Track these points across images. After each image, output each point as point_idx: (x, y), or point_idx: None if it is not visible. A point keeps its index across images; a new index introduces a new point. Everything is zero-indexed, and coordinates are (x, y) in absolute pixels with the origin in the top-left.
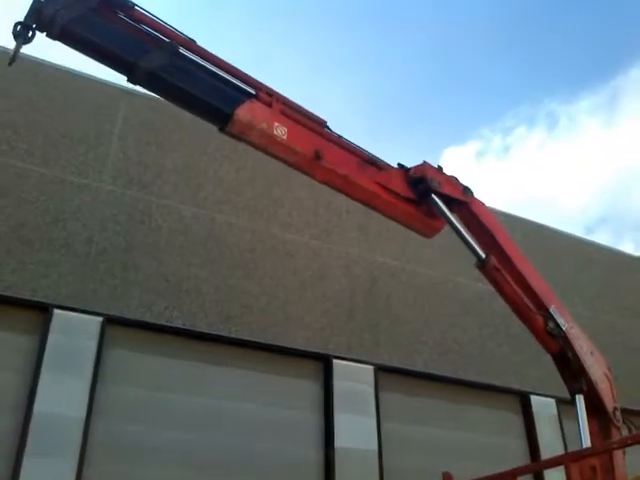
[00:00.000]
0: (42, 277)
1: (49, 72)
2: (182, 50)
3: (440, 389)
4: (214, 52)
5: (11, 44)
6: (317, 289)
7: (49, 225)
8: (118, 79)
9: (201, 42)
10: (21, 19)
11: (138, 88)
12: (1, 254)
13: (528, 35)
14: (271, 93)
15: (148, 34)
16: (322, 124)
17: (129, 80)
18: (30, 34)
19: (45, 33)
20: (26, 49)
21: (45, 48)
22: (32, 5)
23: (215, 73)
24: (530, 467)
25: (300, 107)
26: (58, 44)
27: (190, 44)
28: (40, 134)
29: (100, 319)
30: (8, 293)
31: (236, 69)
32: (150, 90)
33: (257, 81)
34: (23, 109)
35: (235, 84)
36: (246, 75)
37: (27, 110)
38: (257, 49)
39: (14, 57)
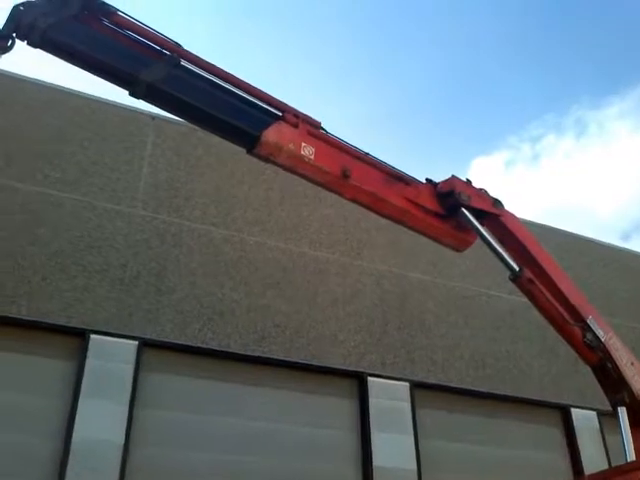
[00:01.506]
0: (78, 303)
1: (78, 102)
2: (185, 63)
3: (477, 404)
4: (225, 68)
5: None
6: (349, 306)
7: (84, 252)
8: (147, 106)
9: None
10: None
11: (166, 115)
12: (38, 281)
13: (552, 42)
14: (297, 114)
15: (132, 40)
16: (317, 126)
17: (130, 94)
18: (9, 43)
19: (25, 41)
20: (57, 80)
21: (73, 78)
22: (11, 12)
23: (235, 93)
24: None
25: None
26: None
27: (185, 53)
28: (72, 163)
29: (136, 343)
30: (46, 320)
31: (146, 30)
32: (158, 106)
33: (282, 102)
34: (55, 139)
35: (260, 106)
36: (158, 36)
37: (59, 140)
38: (274, 61)
39: None
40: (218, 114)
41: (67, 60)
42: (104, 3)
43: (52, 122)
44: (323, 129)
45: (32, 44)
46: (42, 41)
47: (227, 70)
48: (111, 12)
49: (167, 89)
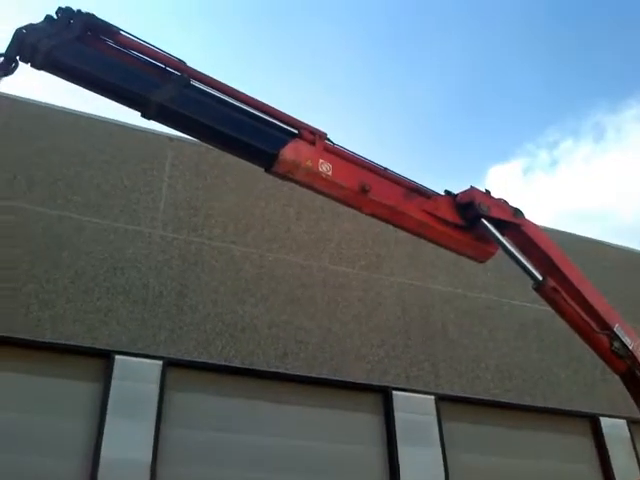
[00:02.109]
0: (102, 324)
1: (97, 126)
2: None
3: (504, 416)
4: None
5: None
6: (371, 320)
7: (106, 273)
8: (165, 128)
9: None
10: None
11: (184, 136)
12: (62, 304)
13: (568, 45)
14: (313, 131)
15: (136, 59)
16: (324, 137)
17: (142, 115)
18: (12, 65)
19: (29, 63)
20: (79, 106)
21: (90, 101)
22: (14, 35)
23: (250, 112)
24: None
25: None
26: (103, 100)
27: (190, 70)
28: (93, 186)
29: (160, 362)
30: (71, 342)
31: (150, 48)
32: (170, 126)
33: (298, 120)
34: (75, 163)
35: (275, 124)
36: (162, 54)
37: (79, 164)
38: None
39: None
40: (235, 134)
41: (71, 81)
42: (107, 23)
43: (72, 146)
44: (330, 140)
45: (35, 66)
46: (45, 63)
47: (236, 87)
48: (114, 32)
49: (179, 109)
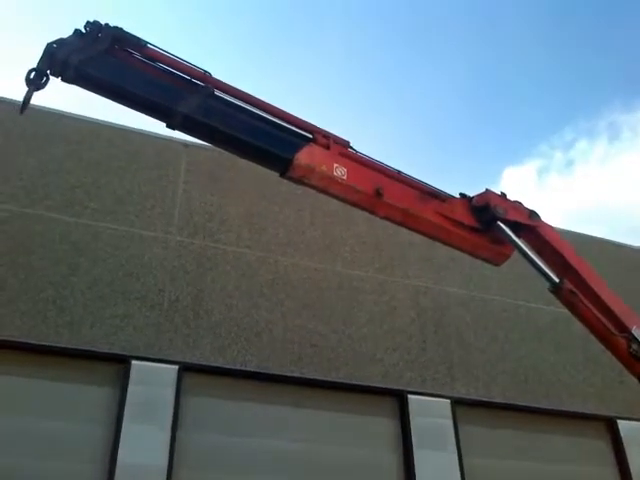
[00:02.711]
0: (119, 330)
1: (113, 133)
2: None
3: (521, 419)
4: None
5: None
6: (386, 324)
7: (122, 279)
8: (179, 134)
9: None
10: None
11: (197, 141)
12: (79, 310)
13: (581, 44)
14: (327, 135)
15: (162, 71)
16: (347, 145)
17: (167, 125)
18: (43, 80)
19: (60, 77)
20: (94, 113)
21: (104, 109)
22: (45, 50)
23: (266, 118)
24: None
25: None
26: (117, 107)
27: (215, 81)
28: (108, 192)
29: (176, 367)
30: (88, 347)
31: (176, 61)
32: (194, 136)
33: (311, 124)
34: (91, 170)
35: (289, 129)
36: (188, 66)
37: (94, 170)
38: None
39: (25, 105)
40: (250, 139)
41: (100, 94)
42: (134, 37)
43: (88, 154)
44: (352, 148)
45: (66, 80)
46: (76, 77)
47: (257, 96)
48: (141, 45)
49: (204, 120)
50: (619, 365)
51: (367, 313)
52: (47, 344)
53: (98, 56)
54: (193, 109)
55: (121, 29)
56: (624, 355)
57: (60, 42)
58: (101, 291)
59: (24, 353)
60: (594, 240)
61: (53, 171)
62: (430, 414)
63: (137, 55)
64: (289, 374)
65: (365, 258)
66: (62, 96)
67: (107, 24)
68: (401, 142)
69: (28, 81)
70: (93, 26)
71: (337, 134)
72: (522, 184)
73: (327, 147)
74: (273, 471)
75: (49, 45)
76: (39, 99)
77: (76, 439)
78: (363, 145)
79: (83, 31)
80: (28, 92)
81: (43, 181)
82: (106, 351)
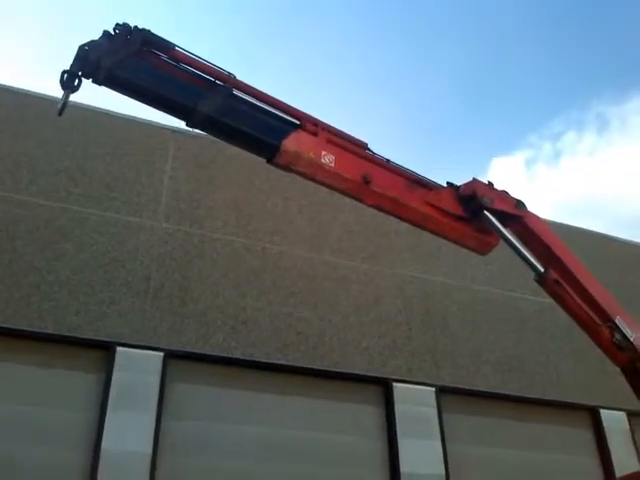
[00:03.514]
0: (104, 316)
1: (99, 118)
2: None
3: (505, 408)
4: (258, 85)
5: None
6: (372, 312)
7: (108, 266)
8: (166, 119)
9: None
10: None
11: (185, 128)
12: (64, 296)
13: (570, 35)
14: (316, 122)
15: (188, 72)
16: (364, 147)
17: (188, 124)
18: (77, 82)
19: (91, 79)
20: (75, 97)
21: (92, 95)
22: (77, 53)
23: (258, 106)
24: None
25: (344, 133)
26: (104, 91)
27: (236, 82)
28: (94, 178)
29: (161, 354)
30: (73, 334)
31: (280, 101)
32: (206, 132)
33: (301, 112)
34: (77, 155)
35: (279, 116)
36: (290, 106)
37: (80, 156)
38: (294, 67)
39: (63, 107)
40: (237, 125)
41: (128, 95)
42: (163, 39)
43: (74, 139)
44: (370, 150)
45: (97, 82)
46: (107, 79)
47: (277, 97)
48: (169, 48)
49: (223, 119)
50: (603, 355)
51: (353, 301)
52: (31, 330)
53: (128, 59)
54: (213, 109)
55: (149, 31)
56: (607, 345)
57: (91, 44)
58: (86, 277)
59: (8, 339)
60: (580, 232)
61: (39, 156)
62: (415, 402)
63: (163, 57)
64: (275, 362)
65: (352, 247)
66: (48, 80)
67: (136, 27)
68: (389, 130)
69: (63, 84)
70: (122, 28)
71: (354, 135)
72: (510, 174)
73: (315, 134)
74: (258, 458)
75: (81, 48)
76: (22, 84)
77: (60, 425)
78: (351, 132)
79: (112, 33)
80: (65, 96)
81: (28, 166)
82: (91, 337)
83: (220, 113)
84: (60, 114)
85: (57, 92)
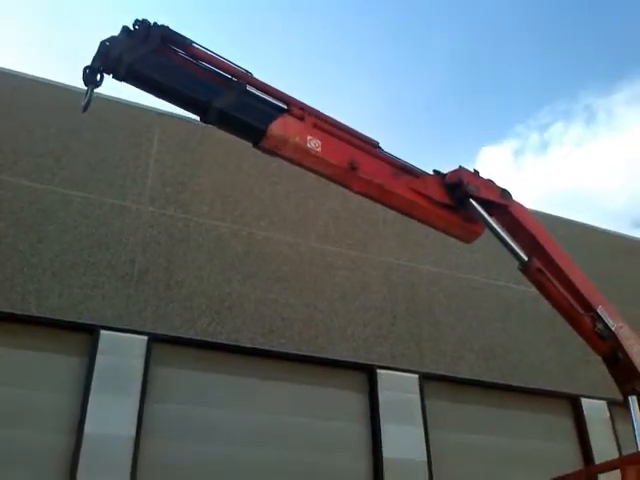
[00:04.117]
0: (88, 299)
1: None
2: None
3: (487, 395)
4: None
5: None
6: (358, 299)
7: (92, 248)
8: (153, 103)
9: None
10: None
11: (172, 110)
12: (47, 279)
13: (559, 27)
14: (303, 107)
15: (204, 69)
16: (354, 134)
17: (202, 120)
18: (99, 77)
19: (111, 75)
20: (64, 79)
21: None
22: (99, 49)
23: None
24: (584, 471)
25: (332, 119)
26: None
27: (252, 79)
28: (80, 160)
29: (146, 338)
30: (56, 316)
31: (219, 59)
32: (221, 128)
33: (289, 96)
34: (62, 137)
35: (266, 100)
36: (277, 90)
37: (66, 138)
38: (282, 55)
39: (88, 103)
40: (176, 85)
41: (147, 90)
42: (182, 36)
43: (59, 120)
44: (381, 148)
45: (117, 77)
46: (128, 74)
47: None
48: (187, 44)
49: (236, 114)
50: (585, 344)
51: (339, 288)
52: (14, 312)
53: (148, 55)
54: (228, 105)
55: (168, 28)
56: (589, 334)
57: (112, 39)
58: (70, 260)
59: None
60: (565, 222)
61: (23, 137)
62: (398, 389)
63: (181, 53)
64: (259, 347)
65: (339, 233)
66: (35, 61)
67: (155, 23)
68: (378, 118)
69: (86, 80)
70: (142, 25)
71: (367, 134)
72: (498, 164)
73: (302, 119)
74: (240, 442)
75: (102, 44)
76: (7, 64)
77: (43, 408)
78: (345, 118)
79: (131, 29)
80: (89, 91)
81: (12, 147)
82: (74, 320)
83: (232, 108)
84: (85, 110)
85: (42, 74)
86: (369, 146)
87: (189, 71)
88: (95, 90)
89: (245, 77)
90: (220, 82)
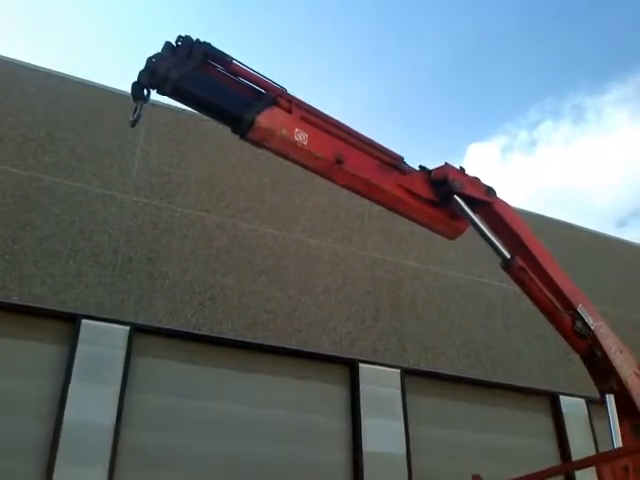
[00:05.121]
0: (70, 288)
1: (70, 87)
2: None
3: (468, 391)
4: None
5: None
6: (341, 293)
7: (75, 237)
8: None
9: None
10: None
11: (160, 100)
12: (29, 266)
13: (549, 26)
14: (291, 99)
15: (242, 84)
16: (342, 128)
17: (233, 131)
18: (145, 93)
19: (156, 90)
20: (47, 64)
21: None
22: (146, 65)
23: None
24: (561, 468)
25: (321, 112)
26: (75, 59)
27: (288, 96)
28: (65, 148)
29: (128, 328)
30: (37, 305)
31: (256, 76)
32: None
33: (277, 87)
34: (47, 124)
35: (255, 90)
36: (266, 81)
37: (51, 125)
38: (273, 50)
39: (137, 119)
40: (217, 101)
41: (189, 105)
42: (222, 53)
43: (45, 107)
44: (405, 163)
45: (162, 93)
46: (173, 91)
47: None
48: (227, 61)
49: (248, 117)
50: (564, 342)
51: (323, 282)
52: None
53: (192, 72)
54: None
55: (210, 45)
56: (569, 332)
57: (158, 56)
58: (52, 248)
59: None
60: (550, 221)
61: (7, 122)
62: (380, 383)
63: (220, 68)
64: (242, 339)
65: (324, 227)
66: (22, 46)
67: (198, 40)
68: (366, 113)
69: (135, 96)
70: (185, 41)
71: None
72: (486, 161)
73: (289, 111)
74: (221, 434)
75: (149, 60)
76: None
77: (23, 396)
78: (333, 112)
79: (174, 45)
80: (138, 107)
81: None
82: (56, 309)
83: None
84: (133, 125)
85: (28, 59)
86: (357, 140)
87: (227, 87)
88: (93, 83)
89: (282, 94)
90: (251, 94)
